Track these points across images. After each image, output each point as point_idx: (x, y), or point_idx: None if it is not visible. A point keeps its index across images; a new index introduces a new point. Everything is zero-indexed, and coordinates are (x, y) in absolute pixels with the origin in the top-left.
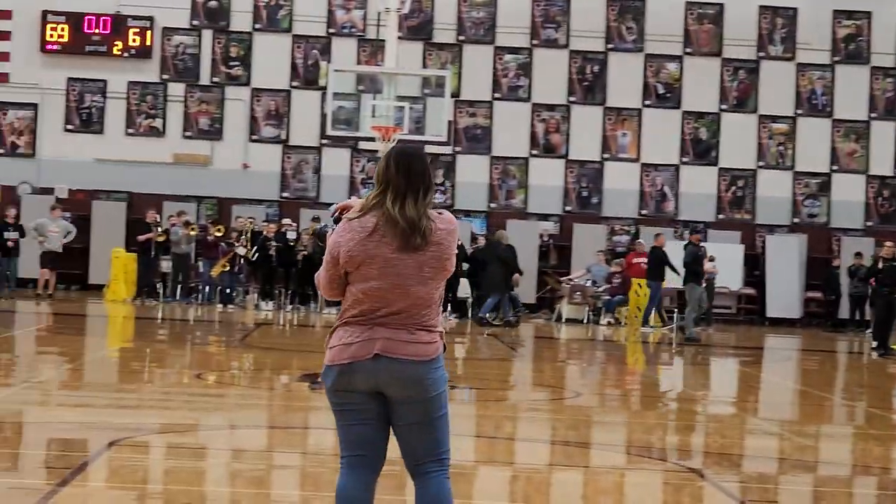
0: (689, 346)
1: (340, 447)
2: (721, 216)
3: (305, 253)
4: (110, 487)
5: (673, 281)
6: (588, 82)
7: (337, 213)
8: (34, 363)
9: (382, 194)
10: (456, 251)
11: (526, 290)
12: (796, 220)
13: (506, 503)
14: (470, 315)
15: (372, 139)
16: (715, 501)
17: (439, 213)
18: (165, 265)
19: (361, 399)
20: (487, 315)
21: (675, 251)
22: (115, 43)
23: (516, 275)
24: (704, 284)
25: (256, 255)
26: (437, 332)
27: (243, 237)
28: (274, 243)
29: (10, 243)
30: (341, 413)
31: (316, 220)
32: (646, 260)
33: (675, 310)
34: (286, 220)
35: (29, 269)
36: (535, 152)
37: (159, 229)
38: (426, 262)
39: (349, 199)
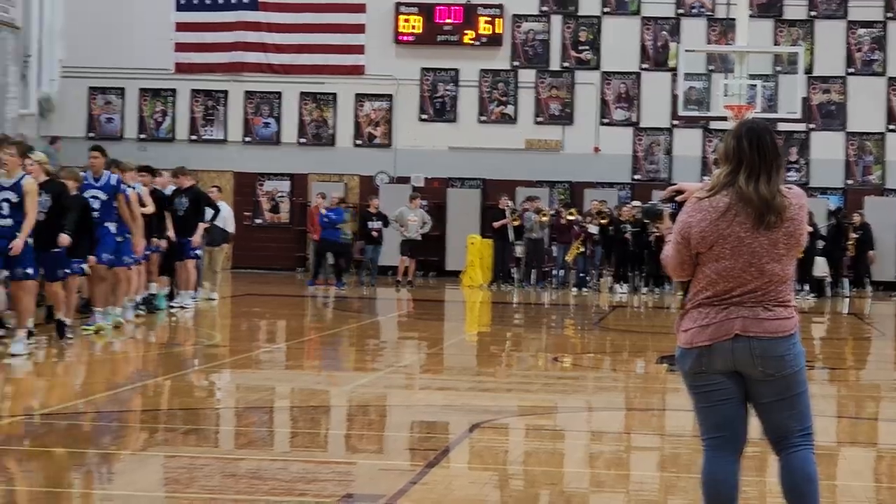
0: None
1: (701, 430)
2: None
3: (658, 234)
4: (475, 469)
5: None
6: None
7: (670, 195)
8: (397, 348)
9: (734, 172)
10: (808, 227)
11: (885, 268)
12: None
13: (870, 483)
14: (828, 294)
15: (724, 118)
16: None
17: (789, 188)
18: (520, 250)
19: (719, 380)
20: None
21: None
22: (466, 32)
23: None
24: None
25: (608, 230)
26: (792, 306)
27: (596, 217)
28: (629, 227)
29: (374, 233)
30: (700, 395)
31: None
32: None
33: None
34: (636, 203)
35: (389, 257)
36: (892, 127)
37: (514, 214)
38: (780, 238)
39: (701, 179)
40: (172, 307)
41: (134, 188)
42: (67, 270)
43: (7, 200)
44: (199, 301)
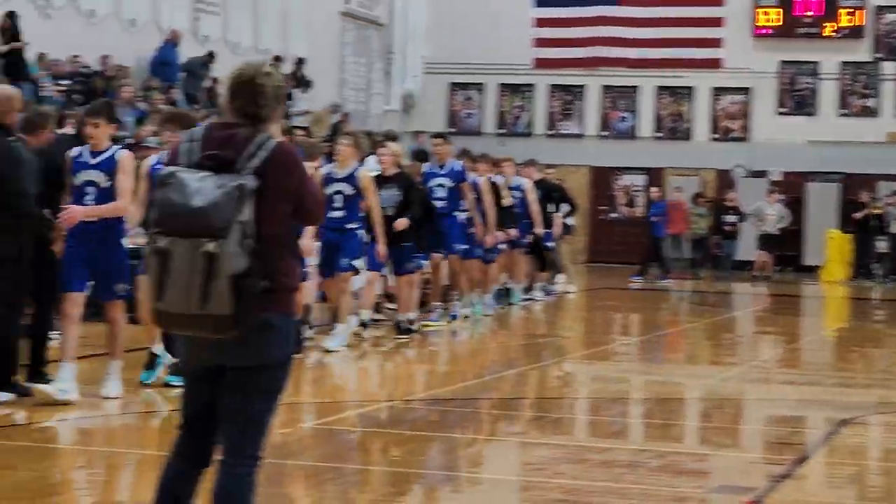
0: None
1: None
2: None
3: None
4: (843, 466)
5: None
6: None
7: None
8: (754, 343)
9: None
10: None
11: None
12: None
13: None
14: None
15: None
16: None
17: None
18: (882, 245)
19: None
20: None
21: None
22: (826, 24)
23: None
24: None
25: None
26: None
27: None
28: None
29: (729, 227)
30: None
31: None
32: None
33: None
34: None
35: (745, 251)
36: None
37: (875, 202)
38: None
39: None
40: (529, 299)
41: (490, 179)
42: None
43: (340, 192)
44: (556, 293)
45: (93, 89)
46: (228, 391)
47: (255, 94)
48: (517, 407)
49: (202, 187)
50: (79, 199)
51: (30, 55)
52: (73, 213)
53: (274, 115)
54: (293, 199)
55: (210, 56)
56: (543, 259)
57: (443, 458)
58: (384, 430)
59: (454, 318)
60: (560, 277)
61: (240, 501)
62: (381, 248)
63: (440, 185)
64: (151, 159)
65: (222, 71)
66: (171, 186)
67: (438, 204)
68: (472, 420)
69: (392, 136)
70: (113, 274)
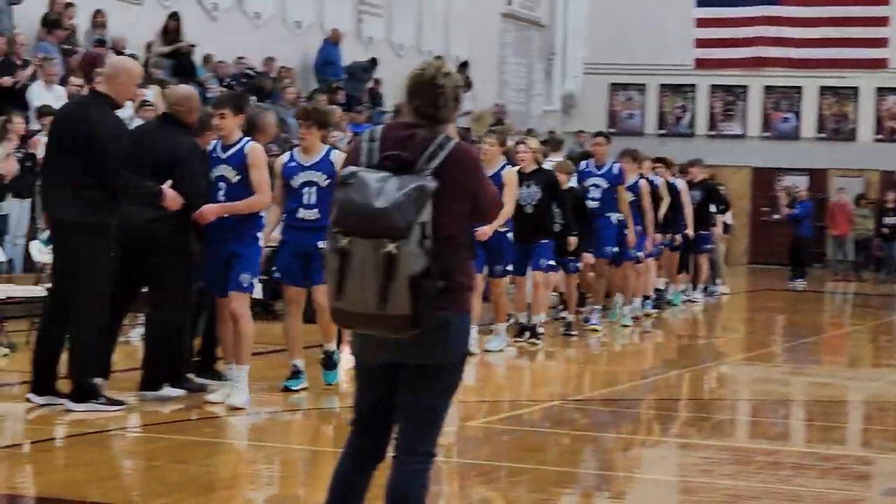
0: None
1: None
2: None
3: None
4: None
5: None
6: None
7: None
8: None
9: None
10: None
11: None
12: None
13: None
14: None
15: None
16: None
17: None
18: None
19: None
20: None
21: None
22: None
23: None
24: None
25: None
26: None
27: None
28: None
29: (886, 229)
30: None
31: None
32: None
33: None
34: None
35: None
36: None
37: None
38: None
39: None
40: (689, 301)
41: (650, 180)
42: (552, 262)
43: None
44: (716, 295)
45: (258, 90)
46: (403, 389)
47: (434, 95)
48: (677, 408)
49: (384, 188)
50: (213, 194)
51: (196, 57)
52: (206, 211)
53: (452, 115)
54: (470, 199)
55: (373, 61)
56: (686, 261)
57: (603, 459)
58: (545, 429)
59: (613, 319)
60: (719, 279)
61: (413, 498)
62: (483, 230)
63: (595, 186)
64: (284, 157)
65: (385, 73)
66: (353, 187)
67: (592, 204)
68: (633, 421)
69: (558, 141)
70: (243, 267)
